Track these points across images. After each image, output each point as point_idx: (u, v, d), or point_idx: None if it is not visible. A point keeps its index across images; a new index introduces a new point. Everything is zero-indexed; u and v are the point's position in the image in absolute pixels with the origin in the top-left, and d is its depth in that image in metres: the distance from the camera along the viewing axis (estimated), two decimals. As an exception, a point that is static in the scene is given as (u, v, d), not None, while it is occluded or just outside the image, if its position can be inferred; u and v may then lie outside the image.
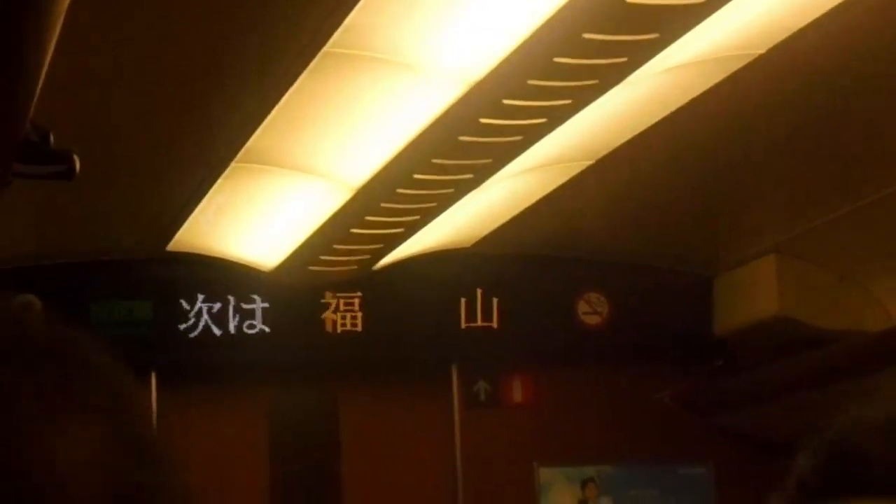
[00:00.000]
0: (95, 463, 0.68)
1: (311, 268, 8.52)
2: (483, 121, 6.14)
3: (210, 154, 6.86)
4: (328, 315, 8.92)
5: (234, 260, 8.65)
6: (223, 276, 8.70)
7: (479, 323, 8.99)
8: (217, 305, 8.81)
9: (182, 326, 8.76)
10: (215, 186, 7.31)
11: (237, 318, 8.84)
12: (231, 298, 8.81)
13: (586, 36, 5.26)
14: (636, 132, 6.73)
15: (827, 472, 0.75)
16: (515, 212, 8.06)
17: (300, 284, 8.71)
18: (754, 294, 8.60)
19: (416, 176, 6.89)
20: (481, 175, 6.97)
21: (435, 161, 6.68)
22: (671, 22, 5.23)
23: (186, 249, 8.53)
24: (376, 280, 8.81)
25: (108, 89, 5.95)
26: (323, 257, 8.36)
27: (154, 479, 0.71)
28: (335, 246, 8.15)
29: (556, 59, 5.47)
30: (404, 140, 6.44)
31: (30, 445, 0.67)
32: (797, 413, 8.37)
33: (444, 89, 5.88)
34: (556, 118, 6.19)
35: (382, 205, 7.35)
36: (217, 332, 8.80)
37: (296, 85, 5.87)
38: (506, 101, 5.91)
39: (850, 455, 0.74)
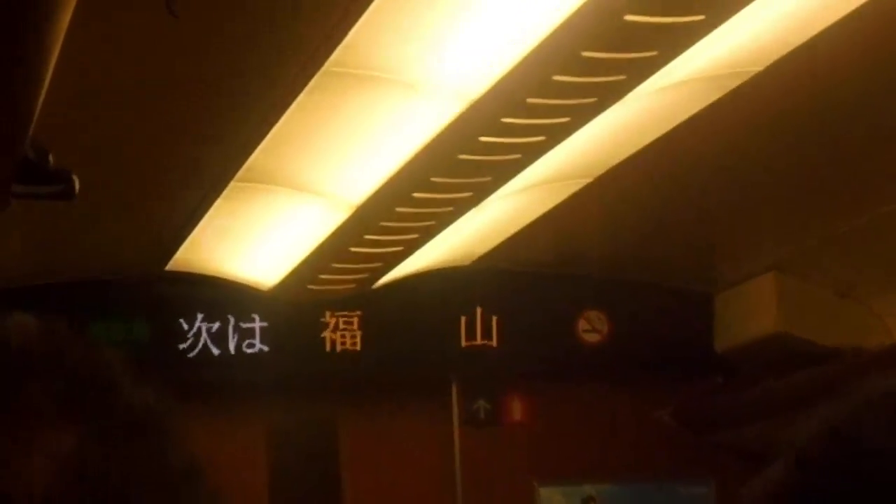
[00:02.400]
0: (58, 466, 0.68)
1: (310, 287, 8.53)
2: (482, 139, 6.14)
3: (209, 173, 6.86)
4: (327, 334, 8.92)
5: (234, 279, 8.65)
6: (222, 296, 8.71)
7: (479, 341, 8.99)
8: (216, 325, 8.81)
9: (181, 346, 8.75)
10: (214, 206, 7.32)
11: (236, 338, 8.84)
12: (230, 318, 8.81)
13: (585, 54, 5.26)
14: (635, 150, 6.74)
15: (823, 454, 0.74)
16: (515, 230, 8.06)
17: (299, 303, 8.71)
18: (754, 311, 8.60)
19: (416, 194, 6.90)
20: (480, 193, 6.97)
21: (434, 179, 6.69)
22: (670, 40, 5.24)
23: (186, 269, 8.54)
24: (375, 299, 8.81)
25: (106, 109, 5.95)
26: (322, 276, 8.36)
27: (127, 471, 0.70)
28: (334, 265, 8.15)
29: (555, 77, 5.47)
30: (403, 158, 6.45)
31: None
32: (798, 429, 8.38)
33: (443, 108, 5.89)
34: (555, 136, 6.20)
35: (382, 223, 7.35)
36: (216, 351, 8.80)
37: (295, 104, 5.88)
38: (505, 120, 5.91)
39: (846, 439, 0.73)
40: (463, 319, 8.98)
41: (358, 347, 8.92)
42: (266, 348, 8.84)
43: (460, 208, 7.20)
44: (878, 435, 0.70)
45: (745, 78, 5.90)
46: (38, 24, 3.49)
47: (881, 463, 0.70)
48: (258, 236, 8.03)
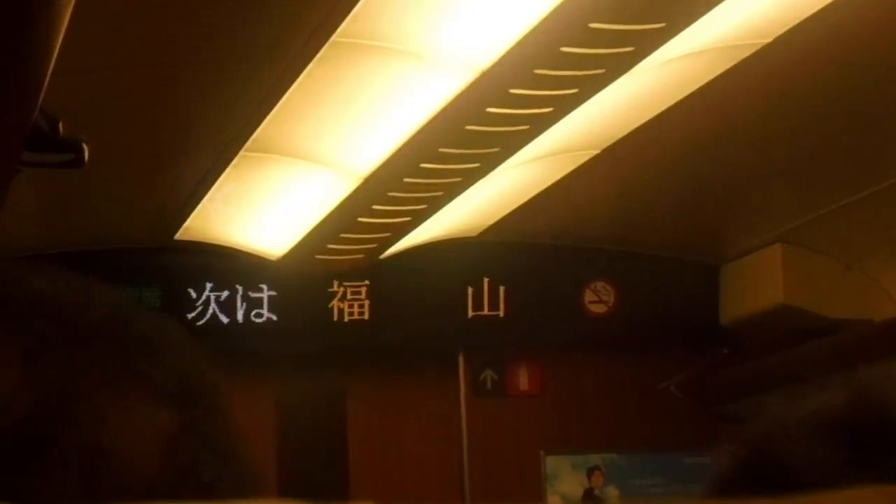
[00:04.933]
0: (161, 448, 0.70)
1: (318, 256, 8.55)
2: (490, 110, 6.15)
3: (218, 143, 6.88)
4: (335, 304, 8.94)
5: (242, 249, 8.68)
6: (231, 265, 8.73)
7: (486, 312, 9.01)
8: (225, 294, 8.84)
9: (190, 315, 8.78)
10: (223, 175, 7.33)
11: (245, 307, 8.86)
12: (239, 287, 8.84)
13: (593, 25, 5.27)
14: (642, 121, 6.74)
15: (744, 472, 0.75)
16: (522, 201, 8.07)
17: (307, 273, 8.73)
18: (760, 283, 8.61)
19: (424, 165, 6.91)
20: (488, 164, 6.98)
21: (442, 150, 6.70)
22: (678, 11, 5.24)
23: (194, 238, 8.56)
24: (383, 269, 8.83)
25: (116, 78, 5.97)
26: (330, 246, 8.38)
27: (218, 466, 0.73)
28: (342, 235, 8.17)
29: (563, 49, 5.48)
30: (411, 129, 6.46)
31: (101, 426, 0.69)
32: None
33: (451, 78, 5.89)
34: (563, 107, 6.20)
35: (389, 194, 7.37)
36: (224, 320, 8.83)
37: (303, 74, 5.89)
38: (513, 91, 5.92)
39: (768, 457, 0.74)
40: (470, 290, 9.00)
41: (366, 317, 8.94)
42: (274, 317, 8.87)
43: (468, 179, 7.22)
44: (794, 458, 0.72)
45: (753, 50, 5.90)
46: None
47: (795, 481, 0.71)
48: (267, 206, 8.05)
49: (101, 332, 0.74)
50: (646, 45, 5.53)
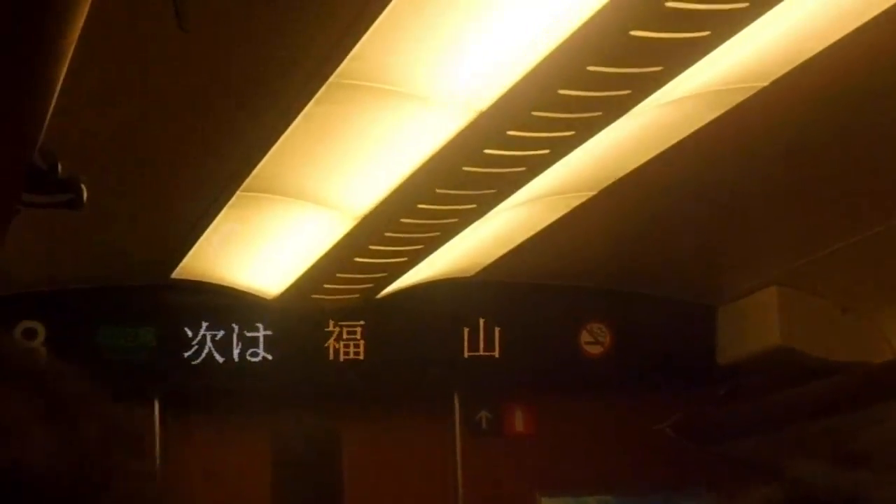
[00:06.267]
0: (79, 467, 0.75)
1: (314, 296, 8.54)
2: (487, 151, 6.17)
3: (215, 183, 6.89)
4: (331, 343, 8.93)
5: (238, 288, 8.67)
6: (227, 304, 8.72)
7: (482, 352, 9.00)
8: (220, 333, 8.83)
9: (185, 354, 8.77)
10: (220, 215, 7.34)
11: (240, 346, 8.85)
12: (235, 326, 8.83)
13: (591, 68, 5.29)
14: (639, 163, 6.76)
15: None
16: (518, 241, 8.08)
17: (303, 313, 8.73)
18: (757, 325, 8.61)
19: (421, 206, 6.92)
20: (485, 205, 6.99)
21: (439, 191, 6.71)
22: (675, 55, 5.26)
23: (191, 277, 8.56)
24: (379, 308, 8.83)
25: (115, 118, 5.98)
26: (326, 286, 8.38)
27: (131, 483, 0.79)
28: (338, 274, 8.17)
29: (561, 91, 5.50)
30: (409, 170, 6.47)
31: (26, 447, 0.74)
32: (800, 443, 8.39)
33: (448, 120, 5.91)
34: (560, 149, 6.22)
35: (386, 234, 7.37)
36: (220, 359, 8.82)
37: (302, 115, 5.91)
38: (510, 133, 5.93)
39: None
40: (466, 330, 8.99)
41: (361, 357, 8.93)
42: (270, 357, 8.86)
43: (465, 220, 7.22)
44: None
45: (750, 93, 5.93)
46: (50, 35, 3.52)
47: None
48: (263, 246, 8.05)
49: (22, 367, 0.81)
50: (643, 88, 5.55)
